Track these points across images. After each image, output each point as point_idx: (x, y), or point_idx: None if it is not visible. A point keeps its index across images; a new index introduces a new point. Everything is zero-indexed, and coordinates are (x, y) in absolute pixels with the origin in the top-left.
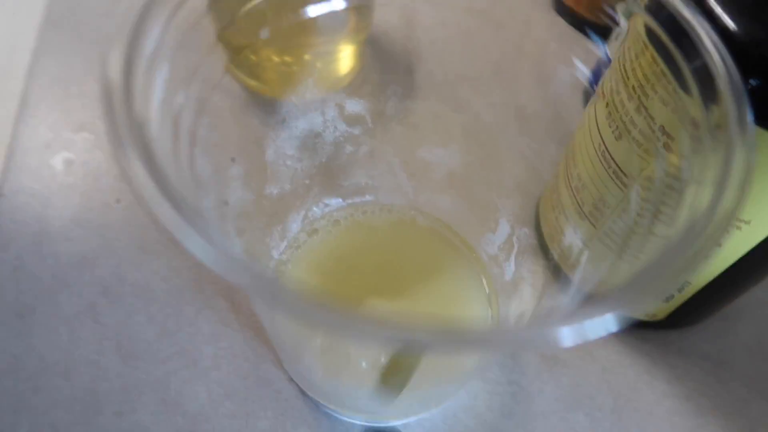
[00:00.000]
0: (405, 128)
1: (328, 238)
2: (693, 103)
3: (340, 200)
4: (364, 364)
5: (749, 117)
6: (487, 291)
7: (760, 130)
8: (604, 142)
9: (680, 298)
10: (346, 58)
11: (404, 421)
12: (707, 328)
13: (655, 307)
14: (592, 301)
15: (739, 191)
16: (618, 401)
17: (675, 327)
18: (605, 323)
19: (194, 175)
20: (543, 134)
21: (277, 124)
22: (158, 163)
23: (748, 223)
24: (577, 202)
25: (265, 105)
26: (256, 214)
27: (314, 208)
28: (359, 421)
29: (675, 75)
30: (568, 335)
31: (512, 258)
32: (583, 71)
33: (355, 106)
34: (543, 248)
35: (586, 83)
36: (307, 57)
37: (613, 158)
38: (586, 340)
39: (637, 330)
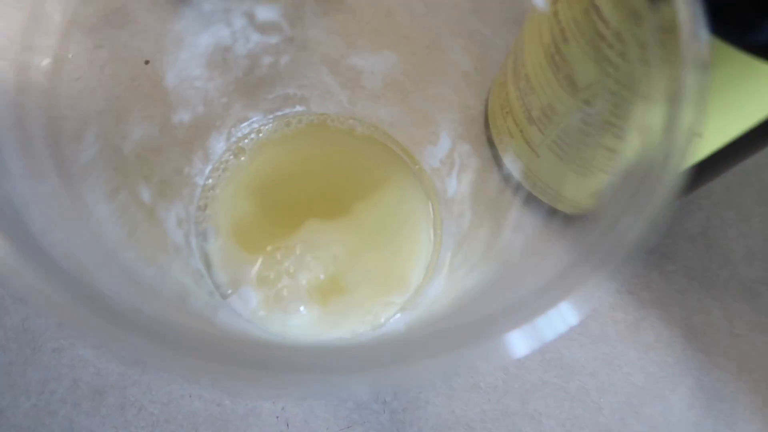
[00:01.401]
0: (329, 33)
1: (259, 156)
2: None
3: (268, 115)
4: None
5: (702, 24)
6: (431, 207)
7: (717, 42)
8: (554, 43)
9: None
10: None
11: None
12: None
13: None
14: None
15: (694, 112)
16: None
17: None
18: (562, 316)
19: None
20: (483, 45)
21: (172, 45)
22: None
23: (699, 136)
24: (525, 106)
25: (154, 23)
26: (165, 147)
27: (240, 126)
28: None
29: None
30: (520, 341)
31: (454, 174)
32: None
33: (267, 12)
34: (493, 149)
35: None
36: None
37: (563, 60)
38: (544, 342)
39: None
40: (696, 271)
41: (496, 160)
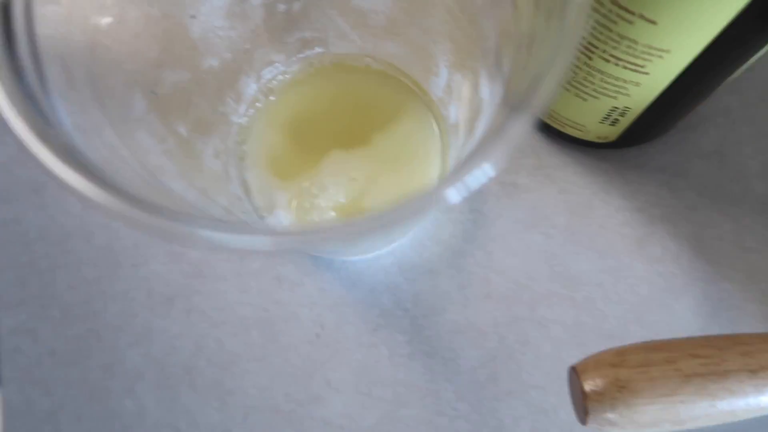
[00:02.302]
0: None
1: (286, 94)
2: None
3: (291, 57)
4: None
5: None
6: (439, 133)
7: None
8: None
9: (624, 122)
10: None
11: (375, 253)
12: (667, 141)
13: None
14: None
15: None
16: (572, 219)
17: (631, 145)
18: (484, 172)
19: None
20: None
21: (193, 6)
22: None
23: (669, 52)
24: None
25: None
26: (198, 89)
27: (267, 69)
28: (337, 257)
29: None
30: (453, 193)
31: (453, 101)
32: None
33: None
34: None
35: None
36: None
37: None
38: (470, 191)
39: (596, 150)
40: (708, 188)
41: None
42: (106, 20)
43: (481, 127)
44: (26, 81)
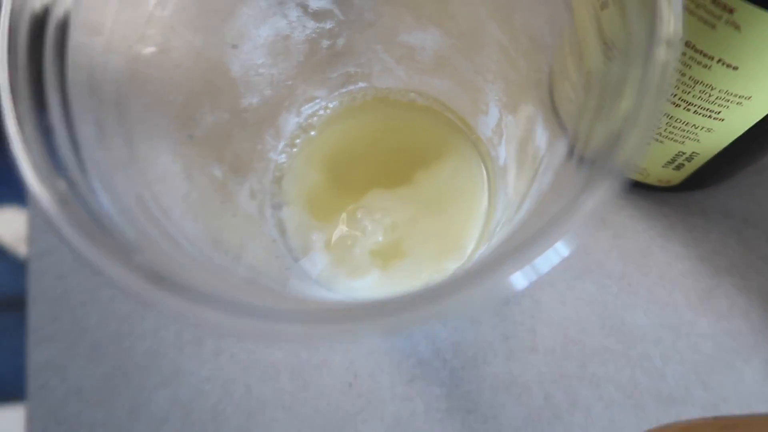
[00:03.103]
0: (377, 15)
1: (327, 130)
2: None
3: (333, 92)
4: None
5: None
6: (486, 175)
7: (756, 10)
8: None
9: (691, 167)
10: None
11: None
12: (736, 185)
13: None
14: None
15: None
16: (628, 267)
17: (696, 188)
18: (557, 252)
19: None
20: (518, 17)
21: (235, 38)
22: None
23: (749, 98)
24: (578, 71)
25: (214, 21)
26: (236, 129)
27: (308, 105)
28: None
29: None
30: (520, 279)
31: (503, 143)
32: None
33: (318, 1)
34: (560, 125)
35: None
36: None
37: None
38: (540, 275)
39: (656, 193)
40: None
41: (559, 123)
42: (149, 49)
43: (542, 181)
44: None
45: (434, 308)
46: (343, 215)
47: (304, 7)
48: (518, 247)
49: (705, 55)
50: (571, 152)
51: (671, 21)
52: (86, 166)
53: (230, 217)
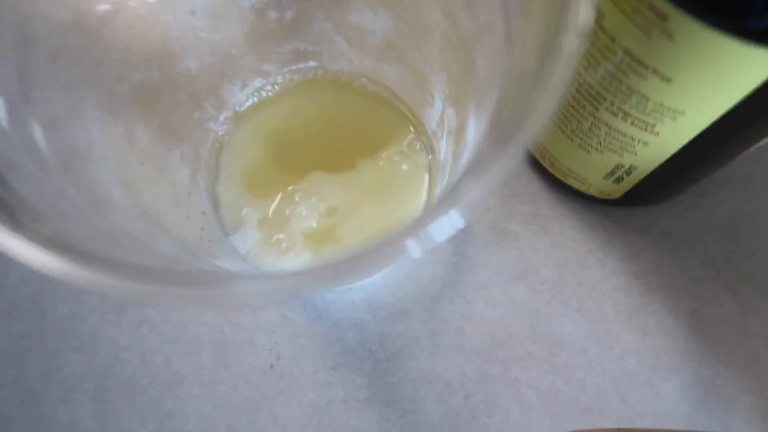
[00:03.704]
0: None
1: (273, 106)
2: None
3: (282, 68)
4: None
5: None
6: (428, 167)
7: (689, 20)
8: None
9: (630, 181)
10: None
11: (345, 287)
12: (677, 205)
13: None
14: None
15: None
16: (563, 275)
17: (637, 204)
18: (451, 221)
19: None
20: (459, 6)
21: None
22: None
23: (682, 113)
24: None
25: None
26: (168, 91)
27: (253, 77)
28: None
29: None
30: (414, 246)
31: (444, 136)
32: None
33: None
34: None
35: None
36: None
37: None
38: (435, 244)
39: (598, 206)
40: (716, 262)
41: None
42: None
43: (461, 167)
44: None
45: (326, 273)
46: (281, 194)
47: None
48: (420, 218)
49: (641, 64)
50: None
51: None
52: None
53: (153, 182)
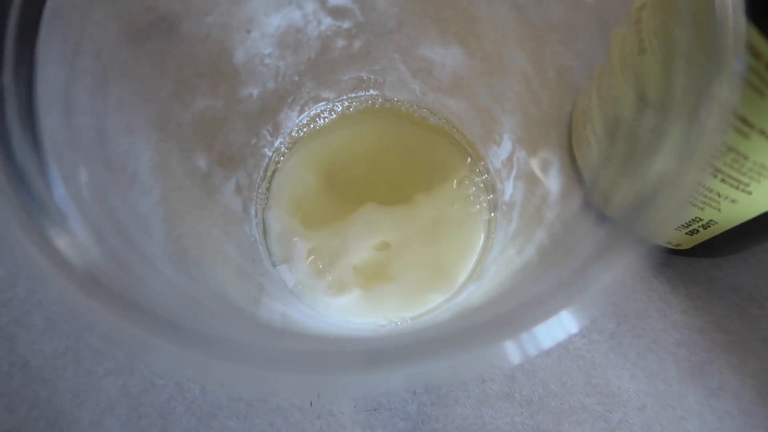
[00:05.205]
0: (400, 23)
1: (329, 135)
2: None
3: (342, 96)
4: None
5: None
6: (488, 208)
7: None
8: (632, 54)
9: (705, 234)
10: None
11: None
12: (748, 258)
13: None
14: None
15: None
16: (621, 326)
17: (706, 256)
18: (563, 326)
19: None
20: (548, 50)
21: (244, 22)
22: None
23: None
24: (603, 115)
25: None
26: (229, 118)
27: (313, 105)
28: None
29: None
30: (514, 351)
31: (512, 178)
32: None
33: None
34: (575, 171)
35: None
36: None
37: (637, 72)
38: (541, 350)
39: (663, 254)
40: None
41: (575, 168)
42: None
43: (550, 229)
44: None
45: (414, 370)
46: (333, 226)
47: (322, 2)
48: (518, 309)
49: (746, 123)
50: (586, 205)
51: (727, 81)
52: (43, 146)
53: (209, 212)
